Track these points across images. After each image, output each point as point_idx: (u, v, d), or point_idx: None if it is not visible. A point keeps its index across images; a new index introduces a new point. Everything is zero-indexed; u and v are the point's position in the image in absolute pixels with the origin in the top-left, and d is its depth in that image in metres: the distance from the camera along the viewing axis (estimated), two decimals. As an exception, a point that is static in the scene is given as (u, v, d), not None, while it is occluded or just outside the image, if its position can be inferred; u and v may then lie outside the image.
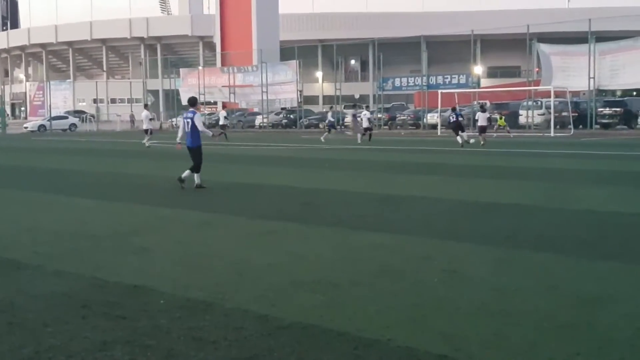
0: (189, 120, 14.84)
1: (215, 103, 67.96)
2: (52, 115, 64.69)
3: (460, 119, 30.11)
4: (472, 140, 30.18)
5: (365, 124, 34.98)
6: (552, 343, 4.88)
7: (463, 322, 5.39)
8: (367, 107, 42.76)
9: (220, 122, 41.74)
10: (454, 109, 31.18)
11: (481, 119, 31.12)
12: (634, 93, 48.36)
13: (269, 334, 5.17)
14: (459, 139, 29.27)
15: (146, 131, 33.15)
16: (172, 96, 67.51)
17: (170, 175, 18.37)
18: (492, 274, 6.89)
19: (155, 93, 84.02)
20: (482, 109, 32.87)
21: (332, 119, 38.25)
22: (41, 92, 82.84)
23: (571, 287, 6.34)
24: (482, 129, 30.82)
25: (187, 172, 14.83)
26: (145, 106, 37.49)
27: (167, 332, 5.25)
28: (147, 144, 31.77)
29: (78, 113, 71.86)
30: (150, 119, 34.61)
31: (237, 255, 8.01)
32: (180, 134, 15.67)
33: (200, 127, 14.91)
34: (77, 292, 6.44)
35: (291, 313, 5.64)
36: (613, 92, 50.54)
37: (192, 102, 15.33)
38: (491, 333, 5.11)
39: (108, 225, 10.29)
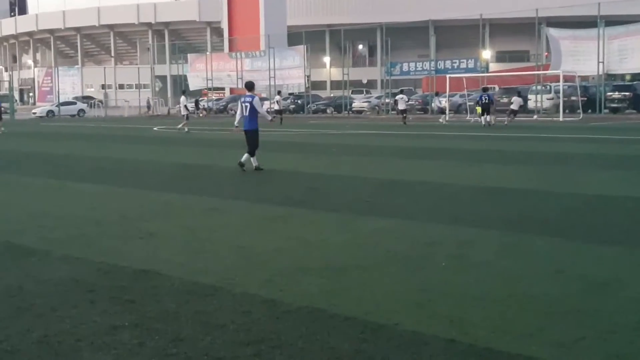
0: (248, 104, 15.08)
1: (223, 89, 67.87)
2: (61, 101, 64.80)
3: (489, 100, 33.62)
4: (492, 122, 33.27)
5: (402, 107, 37.70)
6: (559, 327, 4.89)
7: (470, 306, 5.39)
8: (402, 91, 42.68)
9: (275, 107, 41.30)
10: (485, 90, 34.99)
11: (515, 103, 34.87)
12: (644, 77, 48.05)
13: (276, 318, 5.19)
14: (487, 118, 32.98)
15: (185, 116, 33.27)
16: (179, 82, 67.41)
17: (176, 160, 18.45)
18: (498, 259, 6.90)
19: (163, 79, 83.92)
20: (519, 94, 36.89)
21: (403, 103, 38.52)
22: (49, 78, 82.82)
23: (578, 272, 6.33)
24: (513, 112, 34.76)
25: (245, 156, 15.09)
26: (183, 92, 37.45)
27: (175, 316, 5.27)
28: (186, 129, 31.72)
29: (86, 99, 71.93)
30: (185, 105, 34.42)
31: (244, 241, 8.03)
32: (238, 117, 15.68)
33: (260, 110, 15.27)
34: (85, 277, 6.48)
35: (298, 297, 5.66)
36: (622, 77, 50.21)
37: (250, 86, 15.70)
38: (498, 318, 5.12)
39: (115, 210, 10.33)
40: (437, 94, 43.18)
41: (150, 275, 6.46)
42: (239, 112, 15.56)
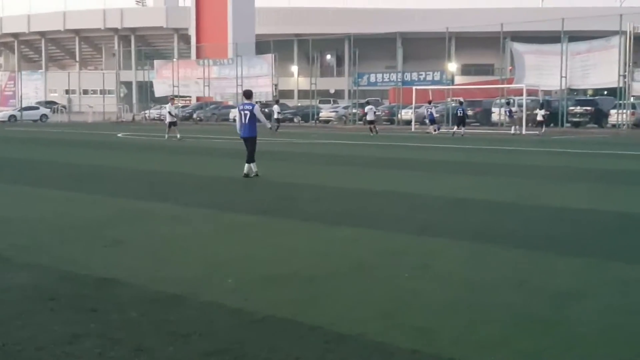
0: (248, 112, 15.21)
1: (189, 96, 67.53)
2: (23, 105, 63.93)
3: (464, 113, 36.23)
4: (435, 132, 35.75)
5: (370, 117, 38.46)
6: (523, 338, 4.92)
7: (435, 316, 5.41)
8: (368, 102, 43.84)
9: (274, 116, 40.82)
10: (461, 103, 37.17)
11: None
12: (605, 92, 48.89)
13: (241, 327, 5.15)
14: (458, 130, 35.34)
15: (171, 124, 32.41)
16: (145, 88, 66.94)
17: (142, 167, 18.27)
18: (464, 269, 6.93)
19: (128, 85, 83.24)
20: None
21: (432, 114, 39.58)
22: (12, 82, 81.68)
23: (542, 283, 6.39)
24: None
25: (246, 167, 15.21)
26: (172, 100, 36.75)
27: (137, 325, 5.21)
28: (178, 136, 30.98)
29: (49, 104, 71.05)
30: (169, 112, 33.28)
31: (211, 249, 7.98)
32: (239, 125, 15.56)
33: (260, 117, 15.44)
34: (47, 284, 6.37)
35: (264, 307, 5.62)
36: (584, 92, 51.05)
37: (249, 94, 15.91)
38: (463, 327, 5.14)
39: (80, 217, 10.19)
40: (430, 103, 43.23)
41: (113, 284, 6.37)
42: (238, 120, 15.47)
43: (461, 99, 39.40)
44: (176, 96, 61.40)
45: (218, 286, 6.32)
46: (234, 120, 52.80)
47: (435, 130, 38.15)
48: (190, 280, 6.51)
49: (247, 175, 15.14)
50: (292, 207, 11.32)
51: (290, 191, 13.36)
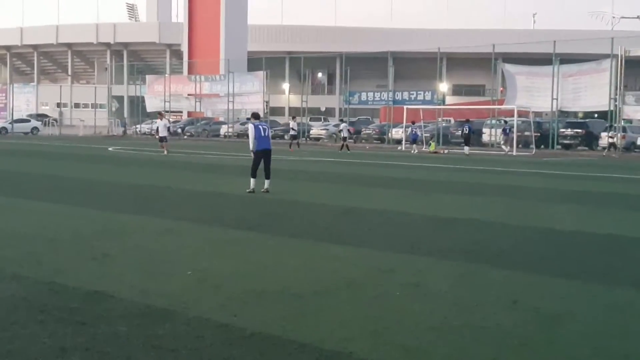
0: (266, 127, 15.92)
1: (180, 111, 67.60)
2: (15, 118, 63.81)
3: (470, 131, 36.81)
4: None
5: (345, 134, 39.46)
6: (512, 359, 4.93)
7: (424, 336, 5.41)
8: (342, 120, 44.53)
9: (291, 133, 40.99)
10: (468, 121, 37.90)
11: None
12: (595, 115, 49.22)
13: (230, 343, 5.14)
14: (466, 149, 35.64)
15: (162, 139, 32.42)
16: (136, 103, 66.97)
17: (132, 181, 18.23)
18: (453, 289, 6.94)
19: (120, 99, 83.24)
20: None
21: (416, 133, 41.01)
22: (4, 94, 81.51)
23: (531, 304, 6.40)
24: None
25: (267, 182, 15.44)
26: (160, 114, 36.61)
27: (126, 339, 5.18)
28: (165, 152, 31.02)
29: (41, 117, 70.98)
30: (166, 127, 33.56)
31: (200, 264, 7.96)
32: (253, 141, 15.50)
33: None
34: (36, 296, 6.34)
35: (253, 323, 5.61)
36: (575, 114, 51.36)
37: (258, 116, 16.55)
38: (452, 348, 5.14)
39: (69, 230, 10.16)
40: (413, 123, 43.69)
41: (102, 297, 6.35)
42: (254, 135, 15.45)
43: (458, 120, 40.43)
44: (167, 111, 61.60)
45: (207, 301, 6.30)
46: (225, 135, 52.39)
47: (413, 151, 39.50)
48: (179, 294, 6.49)
49: (267, 192, 15.26)
50: (281, 224, 11.31)
51: (279, 207, 13.35)
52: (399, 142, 44.77)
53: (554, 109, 42.44)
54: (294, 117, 44.44)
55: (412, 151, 39.44)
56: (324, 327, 5.59)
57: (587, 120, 47.00)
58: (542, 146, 41.54)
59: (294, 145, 39.32)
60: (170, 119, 61.65)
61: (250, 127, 15.64)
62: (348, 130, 40.86)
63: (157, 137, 34.90)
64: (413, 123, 41.74)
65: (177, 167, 24.34)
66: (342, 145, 38.70)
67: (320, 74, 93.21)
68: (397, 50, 62.94)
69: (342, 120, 44.24)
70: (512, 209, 13.70)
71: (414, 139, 40.76)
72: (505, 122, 41.72)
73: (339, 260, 8.26)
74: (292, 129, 41.34)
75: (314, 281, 7.18)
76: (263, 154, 15.54)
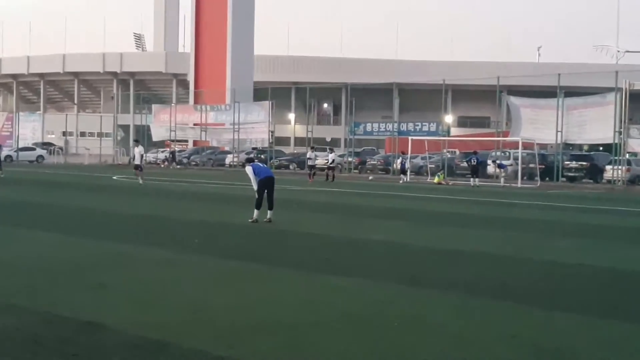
0: (262, 162, 15.85)
1: (186, 141, 67.78)
2: (20, 146, 64.10)
3: (478, 163, 36.82)
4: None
5: (310, 163, 39.96)
6: (510, 394, 4.83)
7: (422, 370, 5.32)
8: (331, 149, 44.52)
9: (310, 163, 40.82)
10: (475, 153, 38.02)
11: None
12: (600, 148, 49.13)
13: (223, 376, 5.05)
14: (471, 181, 35.89)
15: (137, 167, 31.80)
16: (142, 132, 67.19)
17: (133, 211, 18.18)
18: (452, 322, 6.85)
19: (125, 128, 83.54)
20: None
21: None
22: (10, 122, 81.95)
23: (531, 338, 6.31)
24: None
25: (270, 213, 15.42)
26: (137, 142, 36.33)
27: (119, 371, 5.11)
28: (140, 181, 30.38)
29: (46, 145, 71.25)
30: (142, 155, 32.98)
31: (196, 295, 7.88)
32: (254, 181, 15.50)
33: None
34: (30, 327, 6.28)
35: (249, 355, 5.54)
36: (580, 146, 51.28)
37: (251, 160, 17.78)
38: (449, 382, 5.05)
39: (66, 259, 10.10)
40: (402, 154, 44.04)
41: (96, 328, 6.27)
42: (253, 173, 15.51)
43: (464, 151, 40.63)
44: (173, 140, 61.77)
45: (202, 333, 6.22)
46: (230, 165, 52.37)
47: (402, 181, 39.82)
48: (174, 326, 6.41)
49: (270, 221, 15.23)
50: (281, 254, 11.25)
51: (279, 238, 13.29)
52: (404, 172, 44.77)
53: (559, 142, 42.41)
54: (312, 148, 44.41)
55: (401, 181, 39.89)
56: (321, 359, 5.51)
57: (592, 152, 46.91)
58: (547, 178, 41.43)
59: (328, 176, 38.86)
60: (177, 148, 61.81)
61: (249, 169, 15.74)
62: (333, 159, 40.82)
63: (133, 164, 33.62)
64: (403, 153, 42.97)
65: (180, 196, 24.31)
66: (328, 175, 38.73)
67: (325, 105, 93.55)
68: (402, 82, 63.28)
69: (331, 150, 44.20)
70: (514, 241, 13.60)
71: (402, 169, 42.03)
72: (504, 153, 41.98)
73: (338, 292, 8.18)
74: (309, 158, 41.45)
75: (312, 312, 7.10)
76: (266, 182, 15.50)
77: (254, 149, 57.77)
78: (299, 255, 11.15)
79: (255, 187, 15.52)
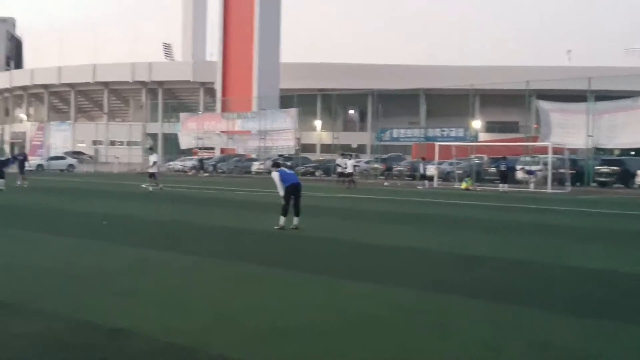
0: (290, 169, 16.62)
1: (213, 148, 68.18)
2: (51, 155, 64.87)
3: (507, 168, 36.54)
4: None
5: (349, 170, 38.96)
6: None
7: (448, 376, 5.27)
8: (349, 155, 44.45)
9: (348, 170, 39.91)
10: (504, 158, 37.89)
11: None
12: (632, 152, 48.51)
13: (249, 382, 5.05)
14: (500, 187, 35.76)
15: (152, 175, 31.76)
16: (170, 140, 67.74)
17: (158, 217, 18.29)
18: (480, 329, 6.78)
19: (154, 136, 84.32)
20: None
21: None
22: (41, 132, 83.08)
23: (561, 345, 6.23)
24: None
25: (296, 219, 15.42)
26: (151, 149, 36.35)
27: (145, 376, 5.13)
28: (150, 188, 30.59)
29: (77, 154, 72.12)
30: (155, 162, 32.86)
31: (222, 300, 7.90)
32: (280, 187, 15.55)
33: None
34: (58, 332, 6.33)
35: (273, 360, 5.52)
36: (611, 151, 50.69)
37: (278, 164, 16.59)
38: (476, 388, 4.99)
39: (94, 265, 10.18)
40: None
41: (124, 334, 6.31)
42: (280, 179, 15.50)
43: (492, 157, 40.55)
44: (200, 148, 62.12)
45: (229, 338, 6.23)
46: (256, 172, 52.30)
47: (420, 186, 40.37)
48: (200, 331, 6.43)
49: (296, 228, 15.22)
50: (306, 260, 11.24)
51: (301, 244, 13.30)
52: (431, 178, 44.59)
53: (589, 146, 41.94)
54: (343, 154, 44.37)
55: (420, 186, 40.38)
56: (346, 366, 5.49)
57: (623, 157, 46.34)
58: (578, 184, 41.01)
59: (348, 182, 38.45)
60: (204, 156, 62.14)
61: (275, 175, 15.70)
62: (354, 166, 40.46)
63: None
64: (423, 159, 43.45)
65: (207, 203, 24.42)
66: (348, 181, 38.25)
67: (352, 111, 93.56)
68: (429, 87, 62.96)
69: (343, 155, 44.01)
70: (543, 247, 13.46)
71: (423, 175, 42.41)
72: (533, 158, 41.65)
73: (363, 298, 8.14)
74: (339, 165, 41.32)
75: (337, 318, 7.08)
76: (292, 189, 15.51)
77: (280, 156, 57.98)
78: (323, 261, 11.14)
79: (281, 193, 15.54)
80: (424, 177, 41.80)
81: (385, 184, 43.37)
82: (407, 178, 49.81)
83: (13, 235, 14.06)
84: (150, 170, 32.26)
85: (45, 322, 6.73)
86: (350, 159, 41.20)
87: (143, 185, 31.53)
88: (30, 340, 6.08)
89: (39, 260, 10.68)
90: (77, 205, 22.37)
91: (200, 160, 57.68)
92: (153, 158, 32.92)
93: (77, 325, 6.61)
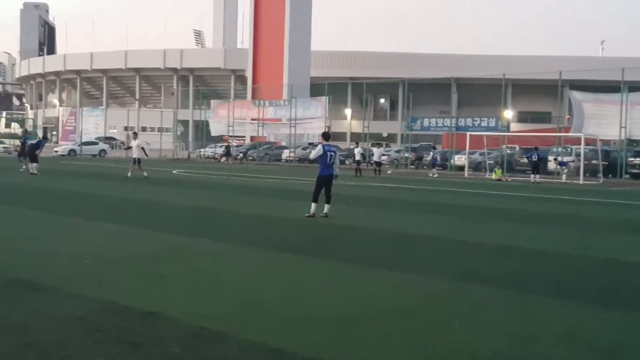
0: (334, 153, 15.69)
1: (243, 136, 68.47)
2: (83, 140, 65.58)
3: (539, 159, 36.63)
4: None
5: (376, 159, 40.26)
6: (565, 392, 4.79)
7: (475, 365, 5.30)
8: (357, 144, 44.91)
9: (357, 158, 40.42)
10: (536, 149, 37.79)
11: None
12: (666, 144, 47.81)
13: (279, 367, 5.13)
14: (532, 177, 35.92)
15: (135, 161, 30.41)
16: (201, 127, 68.12)
17: (191, 203, 18.47)
18: (508, 319, 6.80)
19: (185, 123, 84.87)
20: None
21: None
22: (73, 117, 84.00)
23: (589, 336, 6.23)
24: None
25: (327, 207, 15.43)
26: (135, 134, 33.98)
27: (178, 360, 5.23)
28: (145, 173, 29.40)
29: (108, 139, 72.85)
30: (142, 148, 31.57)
31: (252, 286, 8.00)
32: (315, 154, 15.76)
33: (337, 161, 16.43)
34: (92, 315, 6.46)
35: (303, 347, 5.59)
36: (644, 142, 49.99)
37: (329, 136, 16.20)
38: (503, 378, 5.02)
39: (126, 250, 10.34)
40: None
41: (156, 318, 6.42)
42: (319, 155, 15.49)
43: (524, 147, 40.48)
44: (231, 135, 62.35)
45: (258, 324, 6.31)
46: (286, 160, 52.63)
47: (433, 175, 41.00)
48: (230, 317, 6.53)
49: (327, 216, 15.25)
50: (335, 248, 11.30)
51: (332, 232, 13.36)
52: (461, 168, 44.36)
53: (623, 137, 41.42)
54: (357, 143, 44.54)
55: (431, 175, 40.88)
56: (374, 353, 5.55)
57: (657, 149, 45.67)
58: (610, 175, 40.57)
59: (374, 172, 39.30)
60: (234, 143, 62.35)
61: (320, 149, 15.57)
62: (362, 154, 41.09)
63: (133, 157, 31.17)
64: (434, 148, 44.77)
65: (237, 190, 24.58)
66: (356, 169, 38.72)
67: (382, 100, 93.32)
68: (460, 77, 62.62)
69: (357, 144, 44.17)
70: (573, 238, 13.38)
71: (433, 164, 43.71)
72: (566, 149, 41.44)
73: (391, 286, 8.19)
74: (361, 153, 41.47)
75: (366, 306, 7.13)
76: (326, 180, 15.58)
77: (310, 144, 58.02)
78: (353, 249, 11.19)
79: (312, 155, 15.59)
80: (434, 165, 43.41)
81: (434, 175, 41.68)
82: (438, 168, 49.66)
83: (45, 219, 14.30)
84: (135, 156, 30.53)
85: (79, 305, 6.86)
86: (378, 148, 41.46)
87: (129, 175, 30.06)
88: (64, 322, 6.21)
89: (72, 244, 10.82)
90: (110, 190, 22.59)
91: (227, 147, 57.52)
92: (137, 143, 31.16)
93: (109, 308, 6.73)
